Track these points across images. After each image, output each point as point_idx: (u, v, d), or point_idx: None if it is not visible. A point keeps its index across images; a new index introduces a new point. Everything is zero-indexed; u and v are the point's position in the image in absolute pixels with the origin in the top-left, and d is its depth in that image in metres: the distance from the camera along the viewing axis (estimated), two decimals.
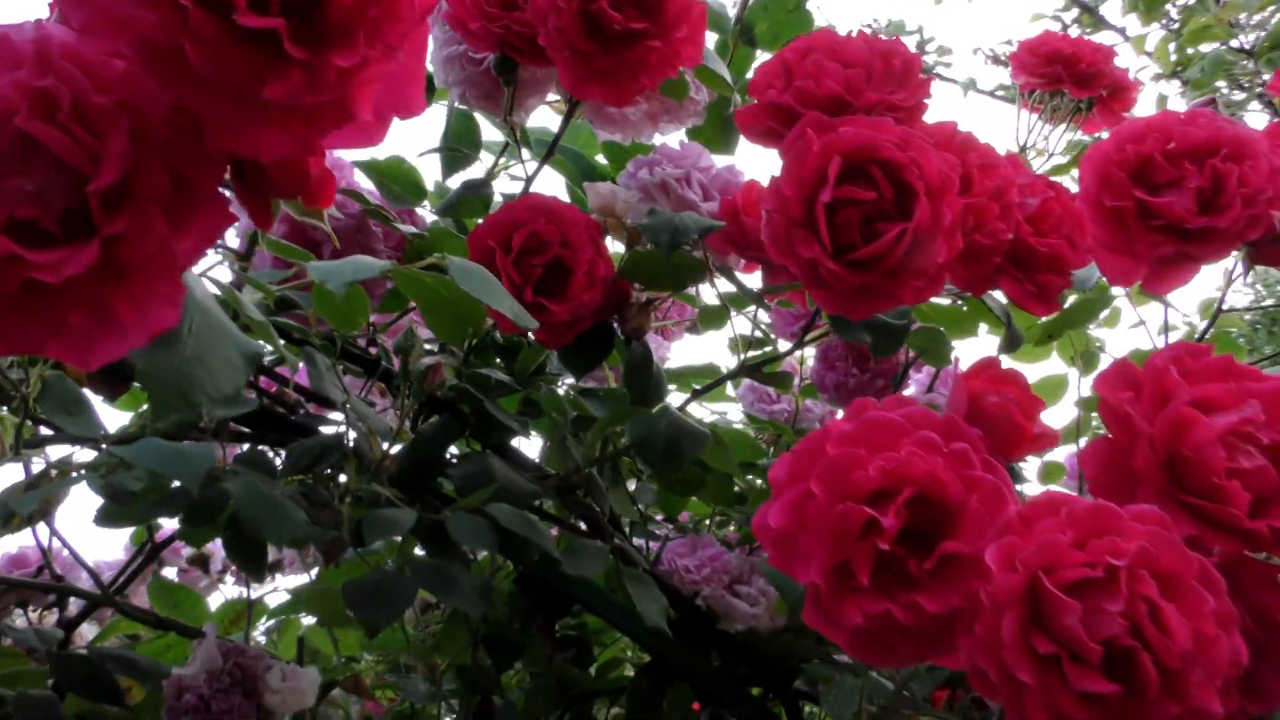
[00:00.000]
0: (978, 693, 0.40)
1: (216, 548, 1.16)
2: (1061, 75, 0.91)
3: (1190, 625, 0.38)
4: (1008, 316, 0.63)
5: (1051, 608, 0.39)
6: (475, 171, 0.84)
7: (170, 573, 1.15)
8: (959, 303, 0.70)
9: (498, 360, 0.87)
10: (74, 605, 0.91)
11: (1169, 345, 0.48)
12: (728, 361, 1.09)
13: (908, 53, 0.57)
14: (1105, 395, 0.45)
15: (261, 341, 0.39)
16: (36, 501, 0.59)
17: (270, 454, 0.76)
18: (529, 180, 0.77)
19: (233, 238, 0.78)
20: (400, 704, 1.20)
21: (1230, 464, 0.42)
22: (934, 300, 0.68)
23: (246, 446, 0.78)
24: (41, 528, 0.83)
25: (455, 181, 0.82)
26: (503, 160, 0.83)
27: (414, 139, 0.82)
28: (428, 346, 0.83)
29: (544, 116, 0.83)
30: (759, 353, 1.05)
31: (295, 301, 0.62)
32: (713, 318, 0.72)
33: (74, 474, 0.63)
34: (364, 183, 0.84)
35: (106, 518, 0.71)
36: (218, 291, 0.44)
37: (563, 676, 1.01)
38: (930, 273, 0.50)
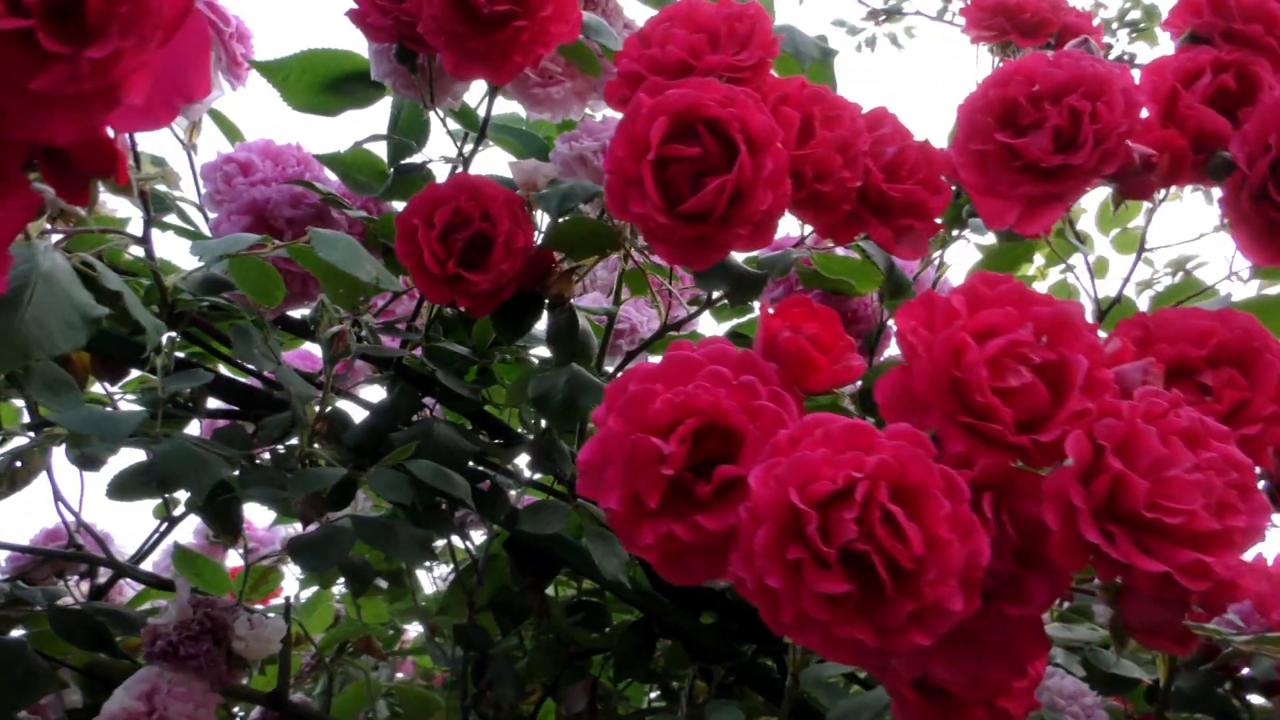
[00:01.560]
0: (742, 596, 0.43)
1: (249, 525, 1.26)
2: (1005, 27, 0.91)
3: (925, 530, 0.41)
4: (889, 265, 0.65)
5: (799, 519, 0.42)
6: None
7: (235, 555, 1.25)
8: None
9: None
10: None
11: (974, 276, 0.50)
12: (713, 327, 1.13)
13: (757, 15, 0.60)
14: (899, 325, 0.48)
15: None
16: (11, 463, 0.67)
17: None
18: (466, 161, 0.82)
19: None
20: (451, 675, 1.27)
21: (995, 383, 0.44)
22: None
23: None
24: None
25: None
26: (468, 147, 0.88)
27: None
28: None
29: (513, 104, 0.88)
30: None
31: (229, 282, 0.68)
32: (635, 281, 0.76)
33: (51, 444, 0.71)
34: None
35: (117, 491, 0.79)
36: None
37: (564, 637, 1.06)
38: (755, 220, 0.53)
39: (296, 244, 0.57)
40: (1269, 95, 0.60)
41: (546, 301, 0.76)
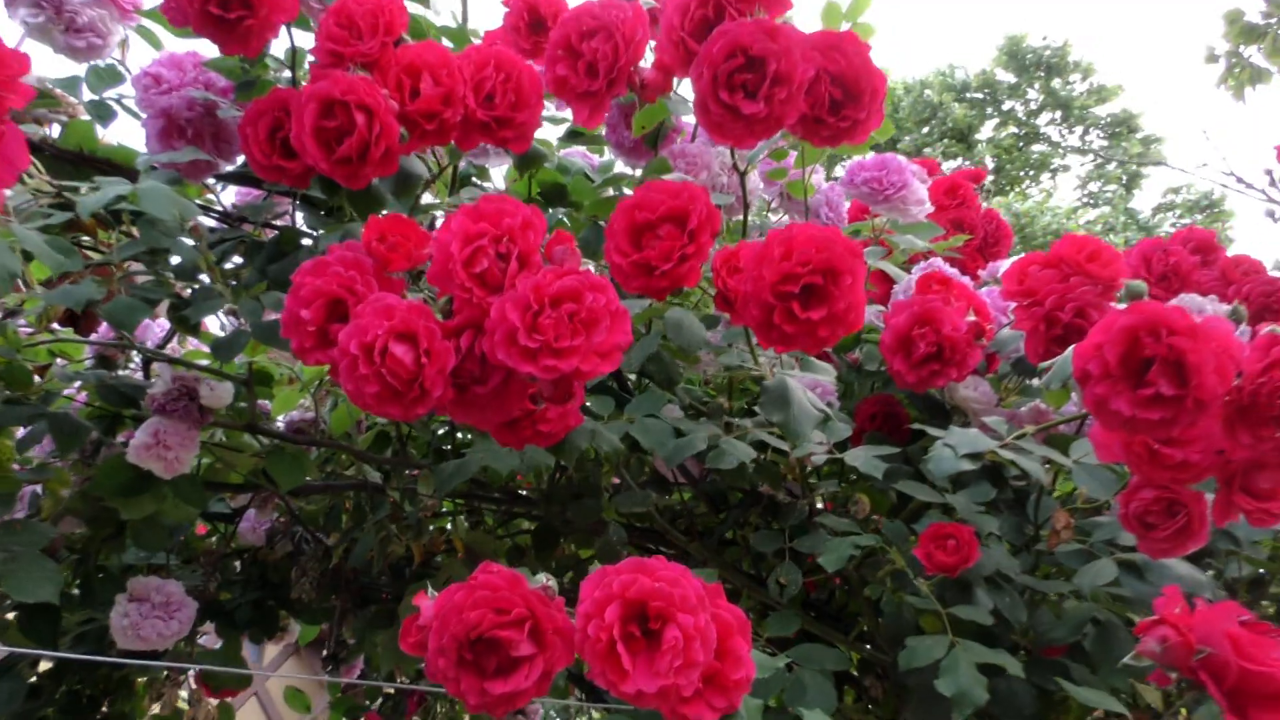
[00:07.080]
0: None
1: None
2: None
3: (415, 355, 0.80)
4: (517, 155, 1.00)
5: (355, 358, 0.81)
6: None
7: None
8: None
9: None
10: None
11: (481, 198, 0.85)
12: None
13: (390, 5, 0.91)
14: (437, 235, 0.84)
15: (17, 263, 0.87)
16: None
17: None
18: (295, 76, 1.17)
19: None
20: None
21: (468, 269, 0.81)
22: None
23: None
24: None
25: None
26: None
27: None
28: None
29: None
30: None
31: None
32: None
33: None
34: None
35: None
36: None
37: None
38: (378, 160, 0.89)
39: (130, 193, 0.96)
40: (721, 25, 0.88)
41: None
